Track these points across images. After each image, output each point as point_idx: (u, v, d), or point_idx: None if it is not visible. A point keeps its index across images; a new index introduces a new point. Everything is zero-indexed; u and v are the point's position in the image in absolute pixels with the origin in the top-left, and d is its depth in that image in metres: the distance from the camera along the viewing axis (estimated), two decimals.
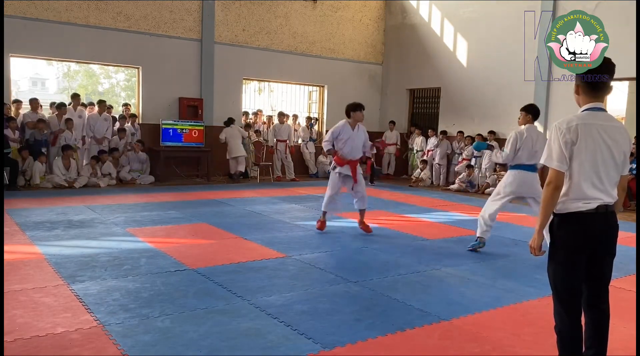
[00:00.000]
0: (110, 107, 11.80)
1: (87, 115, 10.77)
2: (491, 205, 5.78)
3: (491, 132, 11.73)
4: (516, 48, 11.06)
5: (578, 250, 2.59)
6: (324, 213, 6.56)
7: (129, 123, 11.31)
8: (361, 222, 6.58)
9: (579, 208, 2.55)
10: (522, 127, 5.76)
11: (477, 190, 11.14)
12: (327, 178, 12.83)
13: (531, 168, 5.68)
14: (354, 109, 6.35)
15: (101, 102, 11.12)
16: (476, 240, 5.84)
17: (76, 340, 3.10)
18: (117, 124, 11.29)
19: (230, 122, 11.67)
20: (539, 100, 11.03)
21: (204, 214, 7.48)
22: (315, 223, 6.80)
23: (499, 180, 9.93)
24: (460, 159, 12.30)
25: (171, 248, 5.41)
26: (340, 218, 7.53)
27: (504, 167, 10.32)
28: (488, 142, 6.35)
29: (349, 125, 6.37)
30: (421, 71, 13.66)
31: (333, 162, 6.50)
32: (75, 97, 11.06)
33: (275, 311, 3.68)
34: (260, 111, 13.80)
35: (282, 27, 13.08)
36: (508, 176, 5.79)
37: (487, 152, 6.67)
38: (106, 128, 10.79)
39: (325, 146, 6.45)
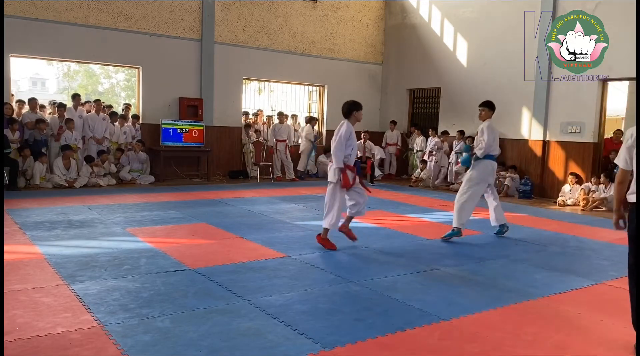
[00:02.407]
0: (110, 107, 11.78)
1: (85, 115, 10.76)
2: (473, 195, 6.35)
3: None
4: (516, 48, 11.06)
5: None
6: (328, 230, 5.70)
7: (130, 124, 11.31)
8: (346, 227, 5.92)
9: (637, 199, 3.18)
10: (488, 121, 6.48)
11: None
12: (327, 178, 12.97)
13: (494, 157, 6.47)
14: (357, 108, 5.64)
15: (98, 101, 11.11)
16: (453, 230, 6.28)
17: (76, 340, 3.10)
18: (117, 125, 11.24)
19: (309, 121, 12.61)
20: (539, 100, 11.03)
21: (204, 214, 7.48)
22: (315, 223, 6.79)
23: (500, 180, 10.03)
24: (458, 159, 12.27)
25: (171, 248, 5.41)
26: (341, 219, 7.52)
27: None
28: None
29: (352, 125, 5.64)
30: (421, 71, 13.66)
31: (338, 175, 5.56)
32: (75, 97, 11.08)
33: (275, 311, 3.68)
34: (261, 111, 13.81)
35: (282, 27, 13.08)
36: (477, 165, 6.38)
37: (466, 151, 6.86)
38: (105, 128, 10.79)
39: (340, 160, 5.48)
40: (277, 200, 9.13)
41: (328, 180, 5.69)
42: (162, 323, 3.39)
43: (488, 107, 6.54)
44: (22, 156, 9.48)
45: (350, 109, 5.62)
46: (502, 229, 6.67)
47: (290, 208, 8.35)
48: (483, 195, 6.65)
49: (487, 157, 6.40)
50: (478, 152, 6.40)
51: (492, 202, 6.66)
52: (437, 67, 13.22)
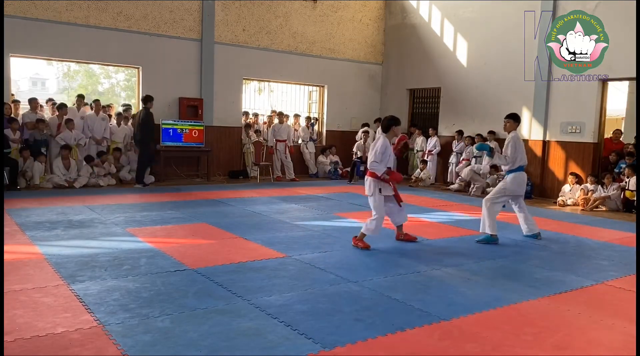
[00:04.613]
0: (109, 106, 11.76)
1: (85, 115, 10.76)
2: (501, 204, 6.43)
3: (491, 132, 11.73)
4: (516, 48, 11.06)
5: None
6: (364, 235, 5.79)
7: (130, 124, 11.31)
8: (403, 234, 6.21)
9: None
10: (514, 132, 6.44)
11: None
12: (327, 178, 13.04)
13: (523, 168, 6.49)
14: (396, 123, 5.89)
15: (97, 101, 11.12)
16: (491, 237, 6.25)
17: (76, 340, 3.10)
18: (114, 122, 11.22)
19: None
20: (539, 100, 11.03)
21: (204, 214, 7.48)
22: (316, 223, 6.77)
23: (499, 181, 10.02)
24: (460, 159, 12.29)
25: (171, 248, 5.41)
26: (341, 218, 7.54)
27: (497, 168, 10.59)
28: (489, 143, 6.64)
29: (388, 140, 5.87)
30: (421, 71, 13.66)
31: (375, 186, 5.75)
32: (79, 97, 11.10)
33: (275, 311, 3.68)
34: (275, 112, 13.48)
35: (282, 27, 13.08)
36: (512, 178, 6.41)
37: (487, 155, 6.79)
38: (104, 128, 10.79)
39: (380, 169, 5.69)
40: (277, 200, 9.13)
41: (365, 194, 5.93)
42: (162, 323, 3.39)
43: (513, 119, 6.46)
44: (22, 157, 9.49)
45: (389, 124, 5.89)
46: (536, 236, 6.60)
47: (290, 208, 8.35)
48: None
49: (518, 168, 6.39)
50: (503, 167, 6.50)
51: (519, 213, 6.64)
52: (437, 67, 13.22)
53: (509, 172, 6.44)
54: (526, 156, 6.54)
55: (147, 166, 10.53)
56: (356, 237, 5.88)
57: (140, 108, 10.46)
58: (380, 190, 5.79)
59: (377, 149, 5.74)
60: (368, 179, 5.84)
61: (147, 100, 10.33)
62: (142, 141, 10.27)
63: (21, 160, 9.46)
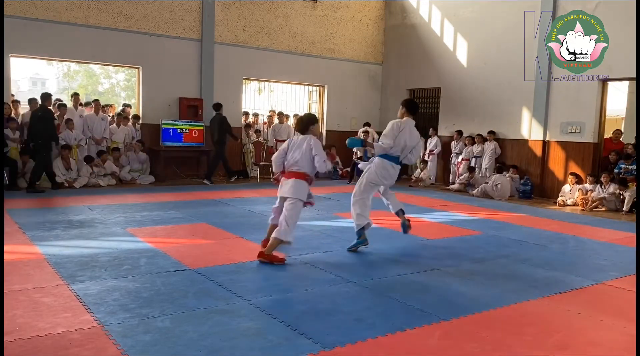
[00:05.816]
0: (107, 106, 11.75)
1: (84, 115, 10.77)
2: (366, 198, 5.59)
3: (491, 132, 11.73)
4: (516, 48, 11.07)
5: None
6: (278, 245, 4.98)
7: (130, 124, 11.31)
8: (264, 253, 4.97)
9: None
10: (399, 121, 5.63)
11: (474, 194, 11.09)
12: (328, 178, 13.03)
13: (396, 160, 5.64)
14: (314, 122, 5.26)
15: (96, 101, 11.12)
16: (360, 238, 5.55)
17: (76, 340, 3.10)
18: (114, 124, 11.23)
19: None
20: (539, 100, 11.03)
21: (204, 214, 7.48)
22: (316, 223, 6.77)
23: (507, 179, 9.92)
24: (460, 159, 12.29)
25: (171, 248, 5.40)
26: (340, 218, 7.53)
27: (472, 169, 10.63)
28: (361, 137, 5.62)
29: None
30: (421, 71, 13.66)
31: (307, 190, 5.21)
32: (74, 96, 11.11)
33: (275, 311, 3.68)
34: (275, 112, 13.51)
35: (282, 27, 13.08)
36: (376, 163, 5.59)
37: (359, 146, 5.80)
38: (104, 128, 10.79)
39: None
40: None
41: (293, 196, 5.13)
42: (162, 323, 3.39)
43: (405, 106, 5.75)
44: (21, 160, 9.47)
45: (309, 124, 5.24)
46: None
47: None
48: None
49: (389, 156, 5.60)
50: (376, 151, 5.61)
51: (385, 201, 5.94)
52: (437, 67, 13.22)
53: (380, 156, 5.57)
54: (408, 153, 5.71)
55: (217, 165, 11.59)
56: (264, 251, 4.96)
57: (214, 114, 11.29)
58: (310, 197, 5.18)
59: (316, 146, 5.04)
60: (301, 183, 5.09)
61: (218, 107, 11.27)
62: (219, 143, 11.23)
63: (20, 163, 9.43)
